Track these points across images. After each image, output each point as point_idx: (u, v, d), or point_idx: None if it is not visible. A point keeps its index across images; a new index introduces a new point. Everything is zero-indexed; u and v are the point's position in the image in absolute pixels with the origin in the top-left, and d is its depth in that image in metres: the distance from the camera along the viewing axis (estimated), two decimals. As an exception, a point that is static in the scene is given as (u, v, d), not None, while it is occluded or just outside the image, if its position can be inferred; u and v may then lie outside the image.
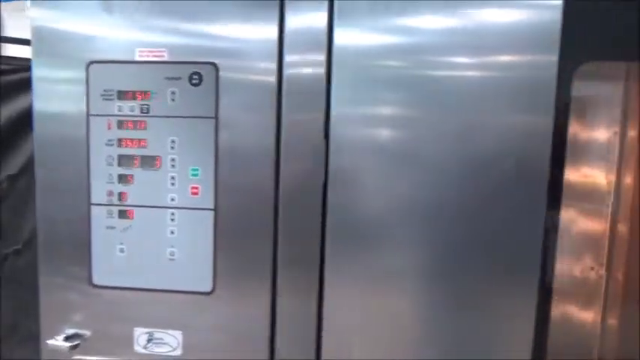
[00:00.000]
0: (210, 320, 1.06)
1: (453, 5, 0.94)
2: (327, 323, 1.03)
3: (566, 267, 1.63)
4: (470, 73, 0.96)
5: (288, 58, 1.00)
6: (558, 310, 1.62)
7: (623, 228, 1.61)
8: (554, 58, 0.92)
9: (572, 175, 1.68)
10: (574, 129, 1.68)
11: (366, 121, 0.99)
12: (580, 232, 1.66)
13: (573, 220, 1.68)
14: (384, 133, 0.99)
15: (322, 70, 0.99)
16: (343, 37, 0.98)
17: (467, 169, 0.97)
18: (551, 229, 1.02)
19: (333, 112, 0.99)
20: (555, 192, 0.99)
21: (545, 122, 0.93)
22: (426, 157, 0.98)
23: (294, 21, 0.99)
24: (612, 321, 1.56)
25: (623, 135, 1.62)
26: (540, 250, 0.95)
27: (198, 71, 1.01)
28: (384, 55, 0.97)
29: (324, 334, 1.03)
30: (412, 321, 1.02)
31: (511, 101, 0.94)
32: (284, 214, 1.02)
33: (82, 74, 1.04)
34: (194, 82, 1.01)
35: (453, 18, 0.95)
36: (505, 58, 0.94)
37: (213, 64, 1.01)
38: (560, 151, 1.02)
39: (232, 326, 1.05)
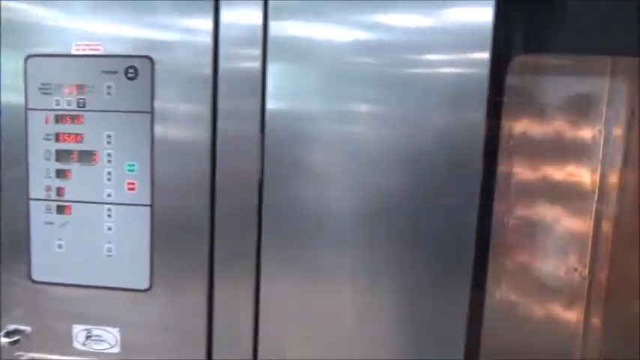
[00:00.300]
0: (148, 318, 1.04)
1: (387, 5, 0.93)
2: (264, 321, 1.01)
3: (551, 267, 1.59)
4: (405, 71, 0.93)
5: (223, 51, 0.98)
6: (542, 309, 1.58)
7: (607, 228, 1.56)
8: (485, 55, 0.89)
9: (558, 173, 1.65)
10: (559, 126, 1.64)
11: (302, 115, 0.97)
12: (565, 232, 1.61)
13: (558, 219, 1.65)
14: (321, 128, 0.97)
15: (258, 64, 0.97)
16: (279, 30, 0.96)
17: (404, 166, 0.94)
18: (485, 225, 0.99)
19: (269, 107, 0.97)
20: (489, 188, 0.95)
21: (479, 118, 0.90)
22: (365, 153, 0.95)
23: (230, 14, 0.97)
24: (595, 322, 1.52)
25: (608, 133, 1.57)
26: (474, 246, 0.92)
27: (134, 65, 0.99)
28: (320, 49, 0.95)
29: (260, 332, 1.01)
30: (349, 319, 1.00)
31: (446, 98, 0.91)
32: (221, 210, 1.00)
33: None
34: (130, 75, 0.99)
35: (385, 14, 0.93)
36: (438, 57, 0.92)
37: (149, 58, 0.99)
38: (494, 147, 0.98)
39: (169, 324, 1.04)
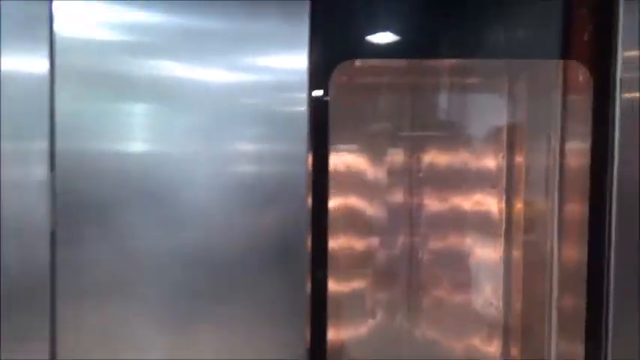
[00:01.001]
0: None
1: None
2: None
3: (468, 300, 1.54)
4: (227, 108, 0.89)
5: (4, 88, 0.85)
6: (461, 345, 1.54)
7: (517, 256, 1.47)
8: (303, 95, 0.88)
9: (466, 203, 1.58)
10: (464, 155, 1.58)
11: (93, 155, 0.87)
12: (478, 263, 1.54)
13: (471, 250, 1.56)
14: (125, 165, 0.87)
15: (46, 102, 0.85)
16: (65, 58, 0.85)
17: (223, 203, 0.88)
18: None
19: (59, 146, 0.85)
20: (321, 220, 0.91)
21: (300, 149, 0.88)
22: (176, 193, 0.88)
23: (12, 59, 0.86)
24: (514, 353, 1.47)
25: (510, 159, 1.51)
26: (305, 282, 0.87)
27: None
28: (109, 85, 0.87)
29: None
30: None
31: (270, 131, 0.90)
32: (5, 271, 0.86)
33: None
34: None
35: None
36: (258, 97, 0.90)
37: None
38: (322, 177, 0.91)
39: None
